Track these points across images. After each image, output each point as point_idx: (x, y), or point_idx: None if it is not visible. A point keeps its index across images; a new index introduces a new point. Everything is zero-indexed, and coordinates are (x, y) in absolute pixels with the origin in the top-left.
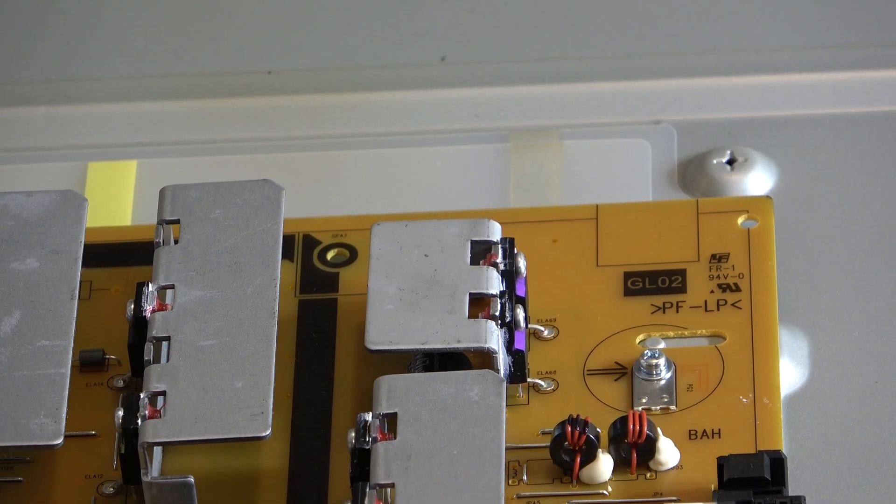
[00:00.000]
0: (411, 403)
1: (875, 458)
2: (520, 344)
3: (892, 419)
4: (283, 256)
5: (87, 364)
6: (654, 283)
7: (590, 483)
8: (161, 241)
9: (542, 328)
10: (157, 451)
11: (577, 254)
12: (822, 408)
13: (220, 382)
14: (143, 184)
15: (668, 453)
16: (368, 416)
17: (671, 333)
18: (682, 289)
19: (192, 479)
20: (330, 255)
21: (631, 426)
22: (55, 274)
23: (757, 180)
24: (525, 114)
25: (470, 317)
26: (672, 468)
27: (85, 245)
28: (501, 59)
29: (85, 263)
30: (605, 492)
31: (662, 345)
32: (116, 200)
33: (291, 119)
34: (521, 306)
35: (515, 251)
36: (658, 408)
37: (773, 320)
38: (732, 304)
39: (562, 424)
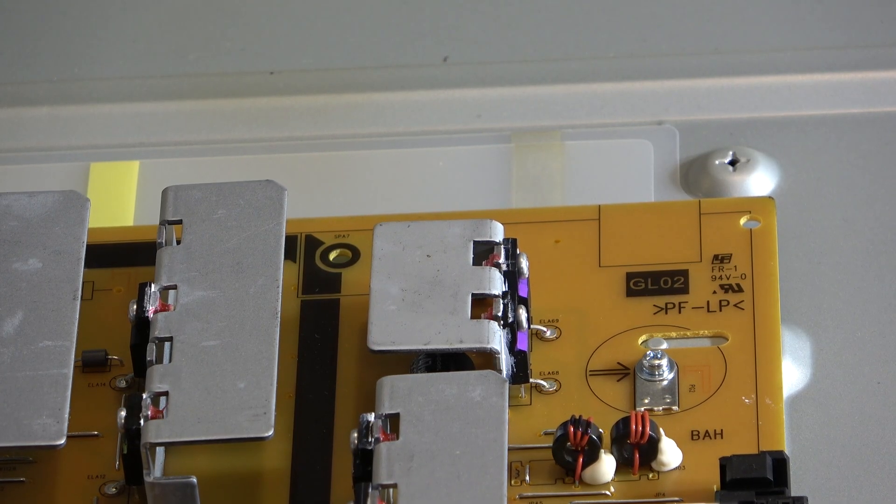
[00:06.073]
0: (414, 404)
1: (877, 459)
2: (522, 344)
3: (894, 420)
4: (286, 257)
5: (90, 364)
6: (657, 284)
7: (592, 483)
8: (163, 241)
9: (545, 329)
10: (160, 451)
11: (579, 254)
12: (824, 408)
13: (223, 383)
14: (146, 184)
15: (670, 454)
16: (371, 417)
17: (673, 334)
18: (684, 289)
19: (194, 480)
20: (332, 255)
21: (633, 427)
22: (58, 274)
23: (759, 181)
24: (527, 114)
25: (472, 317)
26: (674, 469)
27: (87, 245)
28: (504, 60)
29: (87, 264)
30: (607, 492)
31: (665, 345)
32: (119, 201)
33: (294, 119)
34: (523, 307)
35: (518, 252)
36: (660, 408)
37: (775, 321)
38: (735, 305)
39: (564, 425)
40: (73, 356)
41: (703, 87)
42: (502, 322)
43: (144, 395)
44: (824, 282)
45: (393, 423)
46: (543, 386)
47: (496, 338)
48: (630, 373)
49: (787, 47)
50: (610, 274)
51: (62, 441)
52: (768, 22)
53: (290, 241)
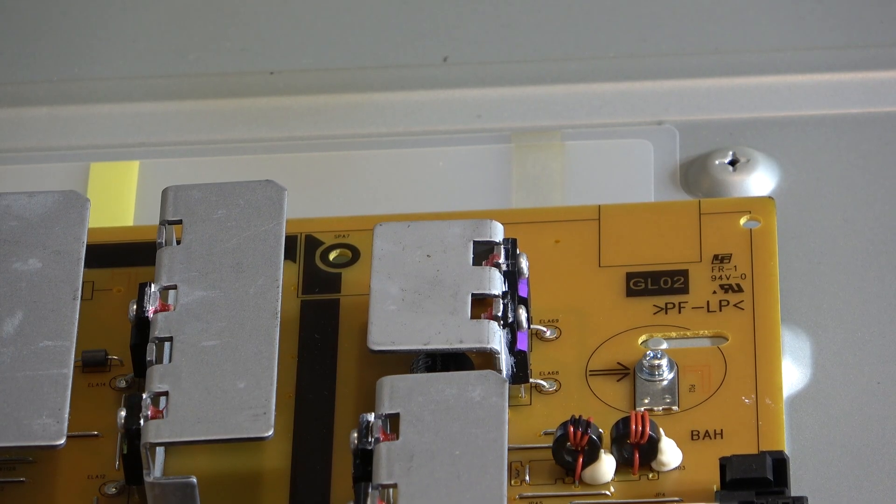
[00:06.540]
0: (414, 404)
1: (877, 459)
2: (522, 344)
3: (894, 420)
4: (286, 257)
5: (90, 364)
6: (657, 284)
7: (592, 483)
8: (163, 241)
9: (545, 329)
10: (160, 451)
11: (579, 254)
12: (824, 408)
13: (223, 383)
14: (146, 184)
15: (670, 454)
16: (371, 417)
17: (673, 334)
18: (684, 289)
19: (194, 480)
20: (332, 255)
21: (633, 427)
22: (57, 274)
23: (759, 181)
24: (527, 114)
25: (472, 317)
26: (674, 469)
27: (87, 245)
28: (504, 60)
29: (87, 264)
30: (607, 492)
31: (665, 345)
32: (119, 201)
33: (294, 119)
34: (523, 307)
35: (518, 252)
36: (660, 408)
37: (775, 321)
38: (735, 305)
39: (564, 425)
40: (73, 356)
41: (703, 87)
42: (502, 322)
43: (144, 395)
44: (824, 282)
45: (393, 423)
46: (543, 386)
47: (496, 338)
48: (630, 373)
49: (787, 47)
50: (610, 274)
51: (62, 441)
52: (768, 22)
53: (290, 241)
